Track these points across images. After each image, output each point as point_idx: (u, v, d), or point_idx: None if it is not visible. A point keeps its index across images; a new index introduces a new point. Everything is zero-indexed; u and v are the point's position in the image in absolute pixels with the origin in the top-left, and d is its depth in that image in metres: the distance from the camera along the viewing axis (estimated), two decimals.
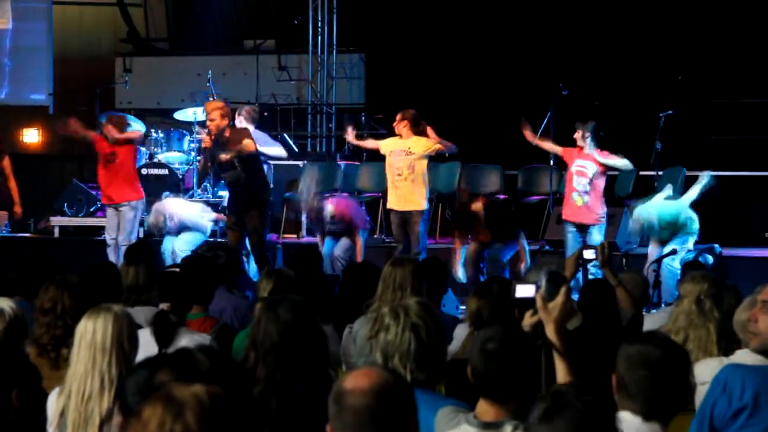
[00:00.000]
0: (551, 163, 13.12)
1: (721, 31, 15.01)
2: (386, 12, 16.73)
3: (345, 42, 17.40)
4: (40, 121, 18.51)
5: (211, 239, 13.56)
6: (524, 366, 3.67)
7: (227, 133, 10.99)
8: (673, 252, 10.71)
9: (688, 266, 7.98)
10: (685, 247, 11.06)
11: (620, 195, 13.12)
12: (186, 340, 5.30)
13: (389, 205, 11.93)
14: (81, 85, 17.28)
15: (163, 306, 5.88)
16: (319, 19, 17.26)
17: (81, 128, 12.49)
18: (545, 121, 12.92)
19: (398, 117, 11.78)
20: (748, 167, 14.19)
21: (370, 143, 12.56)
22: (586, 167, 11.49)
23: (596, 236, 11.26)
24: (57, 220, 14.88)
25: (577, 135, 11.59)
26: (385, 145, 11.93)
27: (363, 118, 16.13)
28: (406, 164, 11.67)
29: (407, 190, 11.69)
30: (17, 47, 17.55)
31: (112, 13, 19.24)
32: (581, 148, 11.59)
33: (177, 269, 6.32)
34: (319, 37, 17.30)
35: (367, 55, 17.37)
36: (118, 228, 12.17)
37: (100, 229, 14.35)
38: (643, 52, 15.28)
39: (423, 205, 11.74)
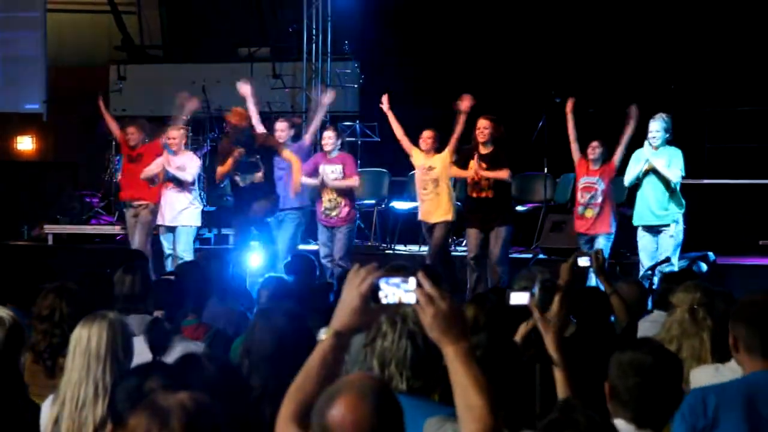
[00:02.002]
0: (545, 170, 13.13)
1: (713, 41, 15.04)
2: (380, 20, 16.74)
3: (339, 50, 17.41)
4: (35, 128, 18.51)
5: (205, 248, 13.59)
6: (510, 374, 3.67)
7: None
8: (667, 260, 10.72)
9: (678, 275, 7.96)
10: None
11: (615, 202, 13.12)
12: (180, 347, 5.30)
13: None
14: (75, 93, 17.27)
15: (158, 314, 5.88)
16: (314, 27, 17.26)
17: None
18: (538, 129, 12.96)
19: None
20: (741, 175, 14.21)
21: (397, 128, 12.28)
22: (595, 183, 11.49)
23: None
24: (51, 228, 14.87)
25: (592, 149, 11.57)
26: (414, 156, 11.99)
27: (357, 125, 16.13)
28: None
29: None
30: (11, 55, 17.55)
31: (106, 20, 19.24)
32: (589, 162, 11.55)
33: (172, 277, 6.33)
34: (314, 45, 17.31)
35: (361, 63, 17.38)
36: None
37: (95, 237, 14.36)
38: (636, 61, 15.30)
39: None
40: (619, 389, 3.69)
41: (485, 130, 11.39)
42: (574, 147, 11.50)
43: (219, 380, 3.62)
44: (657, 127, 10.96)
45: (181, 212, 11.93)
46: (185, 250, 11.78)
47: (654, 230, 11.00)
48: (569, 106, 11.47)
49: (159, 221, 12.08)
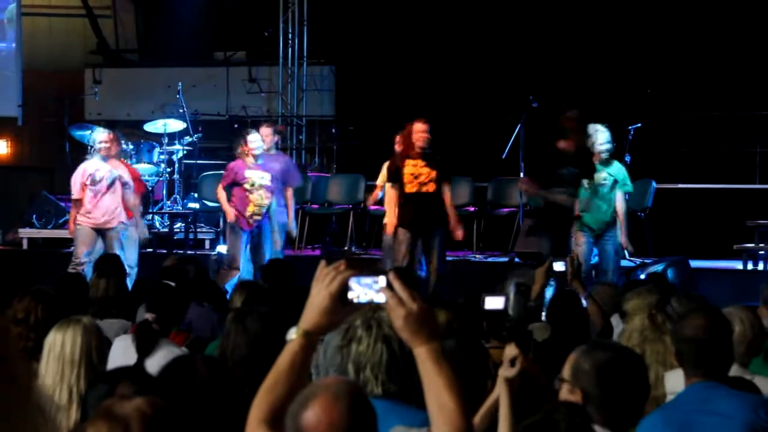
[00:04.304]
0: (522, 175, 13.15)
1: (688, 46, 15.10)
2: (356, 24, 16.75)
3: (315, 54, 17.42)
4: (9, 133, 18.42)
5: (180, 251, 13.55)
6: (476, 381, 3.66)
7: None
8: (643, 265, 10.74)
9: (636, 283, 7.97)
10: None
11: None
12: (165, 351, 5.30)
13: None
14: (50, 97, 17.22)
15: (148, 316, 5.86)
16: (290, 31, 17.27)
17: None
18: (515, 134, 12.97)
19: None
20: (716, 180, 14.27)
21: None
22: None
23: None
24: (26, 232, 14.81)
25: None
26: None
27: (333, 130, 16.14)
28: None
29: None
30: None
31: (81, 24, 19.17)
32: None
33: (172, 283, 6.27)
34: (290, 49, 17.31)
35: (337, 68, 17.39)
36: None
37: (69, 242, 14.28)
38: (612, 66, 15.35)
39: None
40: (589, 392, 3.70)
41: (423, 135, 10.92)
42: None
43: (211, 382, 3.61)
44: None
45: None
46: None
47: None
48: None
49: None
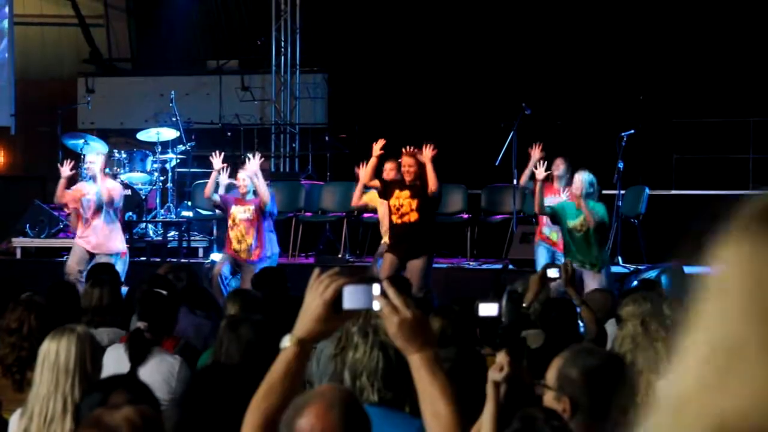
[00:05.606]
0: (515, 182, 13.16)
1: (680, 53, 15.13)
2: (349, 32, 16.77)
3: (308, 62, 17.43)
4: (2, 142, 18.41)
5: (174, 260, 13.54)
6: (476, 388, 3.65)
7: None
8: (636, 271, 10.74)
9: (640, 286, 7.96)
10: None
11: None
12: (157, 359, 5.30)
13: None
14: (43, 106, 17.21)
15: (140, 324, 5.86)
16: (282, 39, 17.28)
17: None
18: (508, 140, 12.99)
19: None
20: (709, 186, 14.29)
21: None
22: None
23: None
24: (19, 242, 14.79)
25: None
26: None
27: (326, 138, 16.14)
28: None
29: None
30: None
31: (74, 33, 19.18)
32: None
33: (163, 291, 6.27)
34: (282, 57, 17.32)
35: (330, 75, 17.39)
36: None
37: (63, 251, 14.28)
38: (605, 73, 15.38)
39: None
40: (580, 401, 3.68)
41: (411, 168, 10.87)
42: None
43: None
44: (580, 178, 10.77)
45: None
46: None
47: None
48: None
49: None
